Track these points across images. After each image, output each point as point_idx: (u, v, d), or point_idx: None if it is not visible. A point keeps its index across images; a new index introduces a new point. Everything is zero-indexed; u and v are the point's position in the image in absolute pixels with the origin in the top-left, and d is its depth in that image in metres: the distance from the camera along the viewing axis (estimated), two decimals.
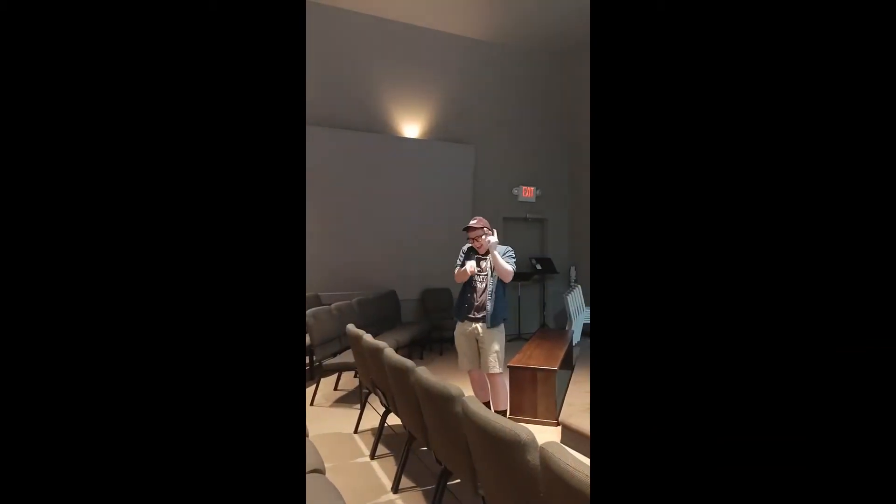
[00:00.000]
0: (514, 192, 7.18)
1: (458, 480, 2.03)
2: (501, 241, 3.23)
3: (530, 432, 1.38)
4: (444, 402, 1.86)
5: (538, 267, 6.85)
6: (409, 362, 2.31)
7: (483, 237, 3.17)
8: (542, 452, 1.26)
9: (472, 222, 3.23)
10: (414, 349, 5.57)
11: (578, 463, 1.16)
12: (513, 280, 3.25)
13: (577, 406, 3.46)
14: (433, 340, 5.94)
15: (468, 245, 3.28)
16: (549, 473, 1.22)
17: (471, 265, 3.16)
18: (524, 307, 6.96)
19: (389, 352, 2.56)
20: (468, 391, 3.39)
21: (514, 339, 6.15)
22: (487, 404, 3.37)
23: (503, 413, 3.35)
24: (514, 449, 1.38)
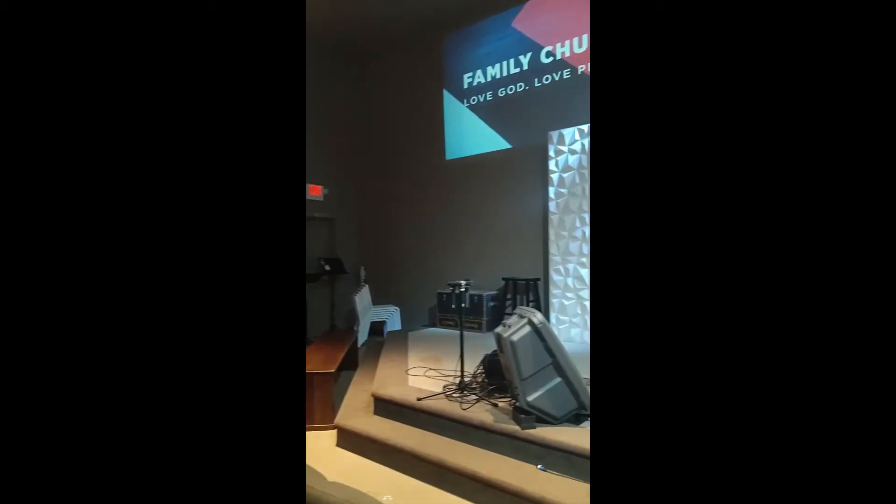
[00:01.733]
0: None
1: None
2: None
3: None
4: None
5: (327, 268, 6.75)
6: None
7: None
8: None
9: None
10: None
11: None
12: None
13: (353, 407, 3.43)
14: None
15: None
16: None
17: None
18: (313, 309, 6.78)
19: None
20: None
21: None
22: None
23: None
24: None
